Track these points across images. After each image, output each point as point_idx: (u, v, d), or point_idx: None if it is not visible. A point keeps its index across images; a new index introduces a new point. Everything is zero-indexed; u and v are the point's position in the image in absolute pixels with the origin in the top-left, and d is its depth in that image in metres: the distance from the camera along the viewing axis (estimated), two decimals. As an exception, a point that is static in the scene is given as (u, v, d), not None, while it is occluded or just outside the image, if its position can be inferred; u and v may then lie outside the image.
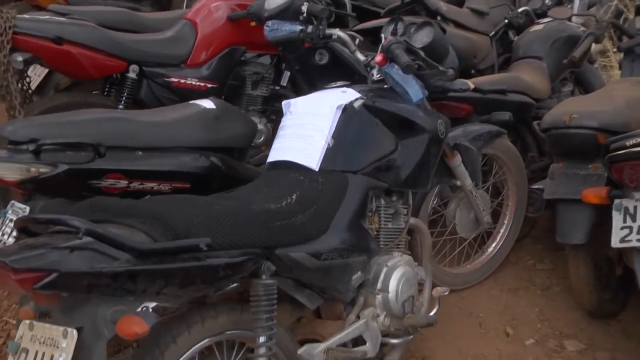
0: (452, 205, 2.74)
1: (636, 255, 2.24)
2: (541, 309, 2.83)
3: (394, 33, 2.18)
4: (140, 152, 2.08)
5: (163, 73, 2.84)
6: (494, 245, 2.97)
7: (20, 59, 2.50)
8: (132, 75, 2.77)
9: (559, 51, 3.47)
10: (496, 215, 2.98)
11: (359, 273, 1.95)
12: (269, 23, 2.53)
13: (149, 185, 2.10)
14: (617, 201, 2.22)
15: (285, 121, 2.08)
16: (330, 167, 1.93)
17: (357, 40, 2.61)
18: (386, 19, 2.47)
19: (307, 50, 2.66)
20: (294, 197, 1.79)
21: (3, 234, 1.96)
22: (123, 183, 2.04)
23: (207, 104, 2.33)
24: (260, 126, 3.05)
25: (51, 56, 2.58)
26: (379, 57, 2.07)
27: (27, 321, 1.42)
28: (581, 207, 2.42)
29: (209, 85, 2.93)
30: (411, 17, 3.02)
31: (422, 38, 2.18)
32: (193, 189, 2.17)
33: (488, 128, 2.70)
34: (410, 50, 2.06)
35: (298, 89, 3.03)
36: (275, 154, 2.01)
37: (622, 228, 2.19)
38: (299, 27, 2.43)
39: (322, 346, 1.80)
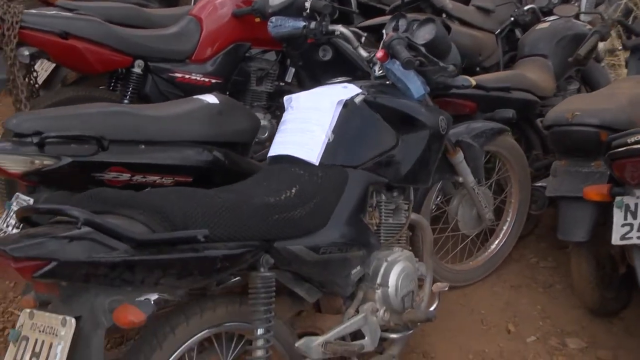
0: (454, 202, 2.74)
1: (636, 252, 2.24)
2: (543, 306, 2.83)
3: (395, 29, 2.19)
4: (143, 146, 2.10)
5: (168, 68, 2.87)
6: (496, 242, 2.97)
7: (26, 53, 2.53)
8: (137, 70, 2.80)
9: (564, 49, 3.46)
10: (499, 213, 2.98)
11: (358, 267, 1.97)
12: (273, 19, 2.54)
13: (151, 178, 2.12)
14: (618, 198, 2.22)
15: (286, 116, 2.09)
16: (331, 161, 1.94)
17: (363, 38, 2.62)
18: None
19: (310, 46, 2.67)
20: (293, 190, 1.80)
21: (7, 225, 1.99)
22: (126, 176, 2.06)
23: (211, 99, 2.35)
24: (264, 122, 3.07)
25: (57, 51, 2.61)
26: (380, 53, 2.08)
27: (28, 310, 1.44)
28: (583, 204, 2.42)
29: (214, 81, 2.96)
30: (416, 15, 3.02)
31: (424, 35, 2.18)
32: (195, 183, 2.19)
33: (491, 125, 2.71)
34: (411, 46, 2.07)
35: (303, 85, 3.05)
36: (276, 149, 2.03)
37: (622, 225, 2.19)
38: (302, 23, 2.44)
39: (320, 339, 1.82)
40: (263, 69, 3.15)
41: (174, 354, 1.56)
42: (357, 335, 1.97)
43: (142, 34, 2.86)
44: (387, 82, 2.17)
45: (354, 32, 2.40)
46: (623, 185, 2.24)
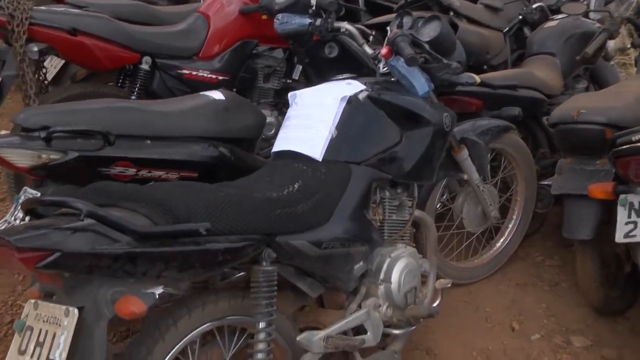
0: (459, 200, 2.74)
1: (640, 250, 2.23)
2: (548, 304, 2.82)
3: (400, 26, 2.20)
4: (149, 141, 2.11)
5: (175, 65, 2.89)
6: (502, 240, 2.97)
7: (35, 49, 2.57)
8: (144, 66, 2.83)
9: (573, 47, 3.44)
10: (505, 211, 2.98)
11: (361, 263, 1.97)
12: (279, 16, 2.55)
13: (157, 173, 2.14)
14: (622, 196, 2.21)
15: (290, 112, 2.11)
16: (334, 157, 1.95)
17: (371, 37, 2.63)
18: None
19: (316, 43, 2.69)
20: (296, 186, 1.81)
21: (15, 219, 2.02)
22: (132, 171, 2.08)
23: (217, 95, 2.36)
24: (271, 119, 3.09)
25: (66, 47, 2.64)
26: (384, 50, 2.09)
27: (33, 300, 1.46)
28: (588, 202, 2.42)
29: (221, 78, 2.98)
30: (423, 12, 3.02)
31: (429, 32, 2.18)
32: (201, 179, 2.19)
33: (496, 123, 2.70)
34: (415, 43, 2.07)
35: (310, 82, 3.06)
36: (280, 144, 2.04)
37: (626, 223, 2.18)
38: (308, 21, 2.45)
39: (321, 333, 1.83)
40: (270, 66, 3.17)
41: (176, 346, 1.58)
42: (359, 330, 1.98)
43: (150, 31, 2.89)
44: (392, 79, 2.18)
45: (360, 30, 2.41)
46: (627, 183, 2.24)
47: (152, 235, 1.40)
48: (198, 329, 1.64)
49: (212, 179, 2.01)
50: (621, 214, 2.22)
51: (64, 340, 1.33)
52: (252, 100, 3.12)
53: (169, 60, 2.88)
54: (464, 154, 2.49)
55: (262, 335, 1.68)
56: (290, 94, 2.15)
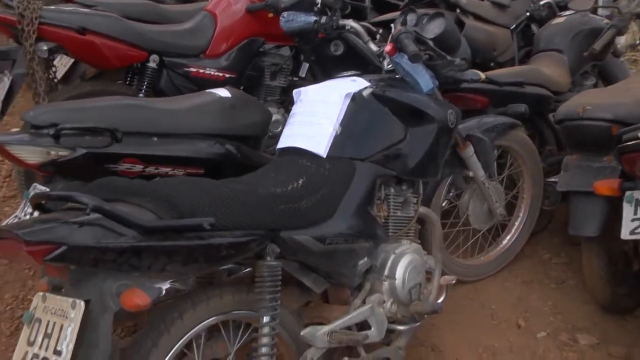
0: (465, 197, 2.75)
1: (647, 247, 2.23)
2: (555, 302, 2.82)
3: (404, 23, 2.21)
4: (156, 138, 2.14)
5: (183, 63, 2.91)
6: (508, 237, 2.97)
7: (45, 48, 2.60)
8: (152, 65, 2.85)
9: (580, 44, 3.43)
10: (511, 208, 2.98)
11: (365, 259, 1.98)
12: (285, 14, 2.57)
13: (164, 170, 2.16)
14: (628, 193, 2.21)
15: (295, 109, 2.12)
16: (338, 154, 1.96)
17: (378, 35, 2.64)
18: None
19: (322, 41, 2.70)
20: (300, 182, 1.83)
21: (25, 214, 2.05)
22: (139, 167, 2.10)
23: (223, 92, 2.38)
24: (278, 116, 3.10)
25: (75, 46, 2.67)
26: (388, 47, 2.10)
27: (41, 293, 1.50)
28: (594, 199, 2.42)
29: (228, 76, 2.99)
30: (428, 10, 3.02)
31: (433, 29, 2.18)
32: (207, 175, 2.22)
33: (502, 120, 2.71)
34: (419, 40, 2.08)
35: (317, 80, 3.07)
36: (285, 141, 2.06)
37: (632, 220, 2.18)
38: (313, 18, 2.46)
39: (325, 328, 1.84)
40: (277, 64, 3.18)
41: (181, 339, 1.60)
42: (363, 326, 1.99)
43: (158, 30, 2.91)
44: (397, 76, 2.19)
45: (365, 27, 2.42)
46: (633, 180, 2.23)
47: (156, 230, 1.42)
48: (203, 323, 1.66)
49: (218, 176, 2.02)
50: (627, 211, 2.21)
51: (70, 331, 1.36)
52: (258, 97, 3.14)
53: (176, 59, 2.90)
54: (469, 151, 2.49)
55: (266, 330, 1.70)
56: (294, 91, 2.16)
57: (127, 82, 2.96)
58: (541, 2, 3.79)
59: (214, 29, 2.99)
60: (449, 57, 2.11)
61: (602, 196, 2.38)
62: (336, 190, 1.90)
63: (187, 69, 2.92)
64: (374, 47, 2.31)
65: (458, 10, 3.52)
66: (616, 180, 2.30)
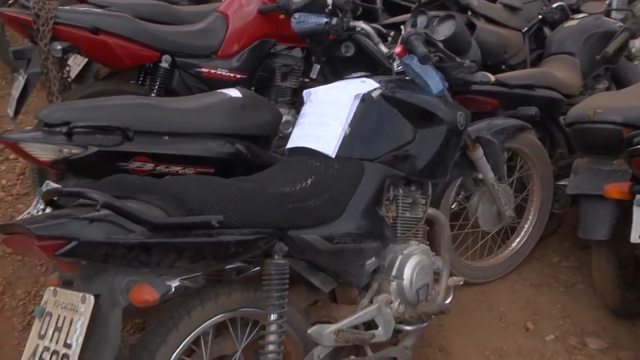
0: (474, 199, 2.75)
1: (657, 252, 2.22)
2: (564, 305, 2.81)
3: (414, 25, 2.21)
4: (167, 137, 2.16)
5: (194, 63, 2.94)
6: (517, 240, 2.97)
7: (59, 47, 2.64)
8: (164, 65, 2.88)
9: (593, 47, 3.42)
10: (521, 211, 2.97)
11: (373, 259, 1.99)
12: (296, 15, 2.58)
13: (174, 168, 2.18)
14: (638, 196, 2.19)
15: (305, 109, 2.14)
16: (347, 154, 1.98)
17: (390, 38, 2.65)
18: None
19: (333, 42, 2.71)
20: (309, 181, 1.84)
21: (37, 211, 2.08)
22: (149, 166, 2.13)
23: (234, 92, 2.40)
24: (288, 117, 3.12)
25: (88, 45, 2.71)
26: (398, 49, 2.11)
27: (52, 288, 1.52)
28: (604, 202, 2.40)
29: (239, 76, 3.02)
30: (439, 12, 3.03)
31: (443, 31, 2.19)
32: (217, 175, 2.22)
33: (512, 122, 2.70)
34: (429, 42, 2.09)
35: (328, 82, 3.08)
36: (294, 141, 2.08)
37: (642, 224, 2.17)
38: (324, 20, 2.48)
39: (332, 327, 1.85)
40: (288, 65, 3.20)
41: (189, 335, 1.62)
42: (371, 326, 2.00)
43: (170, 30, 2.94)
44: (407, 78, 2.20)
45: (375, 29, 2.43)
46: (644, 183, 2.22)
47: (165, 226, 1.44)
48: (211, 320, 1.67)
49: (228, 175, 2.04)
50: (637, 215, 2.20)
51: (80, 325, 1.38)
52: (269, 98, 3.16)
53: (188, 59, 2.93)
54: (478, 153, 2.49)
55: (273, 327, 1.71)
56: (304, 92, 2.18)
57: (140, 82, 2.99)
58: (554, 5, 3.78)
59: (226, 29, 3.02)
60: (458, 59, 2.11)
61: (612, 199, 2.36)
62: (345, 190, 1.91)
63: (199, 69, 2.95)
64: (384, 48, 2.32)
65: (469, 13, 3.52)
66: (626, 183, 2.29)
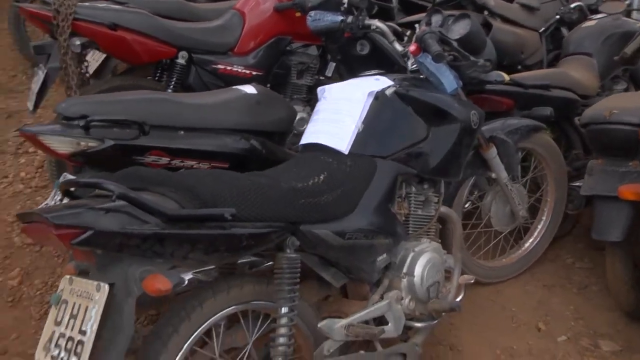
0: (487, 198, 2.74)
1: (671, 253, 2.20)
2: (576, 307, 2.80)
3: (429, 24, 2.22)
4: (182, 132, 2.19)
5: (211, 60, 2.96)
6: (530, 240, 2.96)
7: (78, 42, 2.68)
8: (181, 61, 2.91)
9: (611, 48, 3.40)
10: (535, 211, 2.96)
11: (385, 255, 2.00)
12: (312, 13, 2.60)
13: (189, 163, 2.20)
14: (653, 198, 2.19)
15: (319, 106, 2.15)
16: (360, 151, 1.99)
17: (406, 37, 2.65)
18: None
19: (348, 40, 2.72)
20: (321, 177, 1.86)
21: (55, 202, 2.11)
22: (165, 160, 2.15)
23: (249, 89, 2.42)
24: (303, 114, 3.13)
25: (106, 41, 2.75)
26: (412, 47, 2.11)
27: (68, 276, 1.55)
28: (618, 204, 2.39)
29: (255, 73, 3.04)
30: (455, 11, 3.03)
31: (458, 30, 2.20)
32: (232, 170, 2.26)
33: (527, 122, 2.70)
34: (443, 40, 2.09)
35: (343, 80, 3.09)
36: (308, 137, 2.09)
37: (657, 225, 2.16)
38: (339, 18, 2.49)
39: (342, 322, 1.86)
40: (303, 63, 3.22)
41: (201, 326, 1.64)
42: (381, 321, 2.01)
43: (187, 27, 2.97)
44: (421, 76, 2.21)
45: (391, 28, 2.44)
46: (659, 185, 2.21)
47: (179, 218, 1.47)
48: (223, 312, 1.69)
49: (242, 171, 2.06)
50: (651, 216, 2.19)
51: (95, 313, 1.41)
52: (285, 95, 3.17)
53: (204, 55, 2.95)
54: (492, 152, 2.49)
55: (284, 320, 1.73)
56: (319, 89, 2.19)
57: (157, 78, 3.02)
58: (572, 5, 3.76)
59: (242, 27, 3.04)
60: (472, 58, 2.11)
61: (627, 201, 2.36)
62: (357, 186, 1.92)
63: (215, 66, 2.97)
64: (399, 47, 2.32)
65: (486, 12, 3.51)
66: (641, 184, 2.28)
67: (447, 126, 2.13)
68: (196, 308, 1.63)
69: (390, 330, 1.98)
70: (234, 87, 2.45)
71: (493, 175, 2.58)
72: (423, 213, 2.18)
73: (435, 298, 2.10)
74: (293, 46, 3.19)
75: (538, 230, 2.96)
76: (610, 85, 3.55)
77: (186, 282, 1.59)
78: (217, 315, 1.68)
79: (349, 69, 2.94)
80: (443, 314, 2.12)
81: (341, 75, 3.18)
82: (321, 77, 3.31)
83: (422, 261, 2.06)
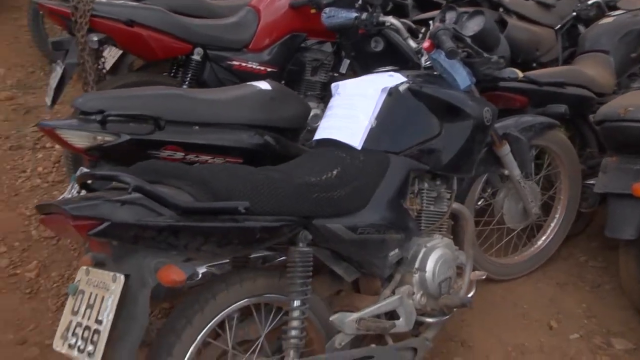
0: (500, 195, 2.74)
1: (685, 251, 2.19)
2: (589, 305, 2.79)
3: (442, 20, 2.22)
4: (197, 127, 2.21)
5: (226, 56, 2.99)
6: (543, 238, 2.95)
7: (95, 38, 2.72)
8: (196, 57, 2.94)
9: (629, 45, 3.37)
10: (548, 209, 2.95)
11: (397, 250, 2.01)
12: (327, 10, 2.61)
13: (204, 158, 2.23)
14: (667, 196, 2.18)
15: (332, 102, 2.17)
16: (373, 146, 2.00)
17: (420, 35, 2.65)
18: None
19: (362, 37, 2.74)
20: (334, 172, 1.87)
21: (72, 195, 2.15)
22: (180, 154, 2.18)
23: (263, 85, 2.44)
24: (317, 111, 3.15)
25: (123, 37, 2.79)
26: (426, 43, 2.12)
27: (85, 267, 1.59)
28: (632, 201, 2.39)
29: (269, 70, 3.06)
30: (470, 8, 3.02)
31: (472, 26, 2.20)
32: (245, 165, 2.29)
33: (540, 119, 2.69)
34: (457, 37, 2.10)
35: (357, 76, 3.10)
36: (321, 132, 2.11)
37: (671, 223, 2.14)
38: (354, 14, 2.50)
39: (354, 315, 1.88)
40: (318, 60, 3.23)
41: (214, 318, 1.67)
42: (393, 316, 2.02)
43: (203, 23, 3.00)
44: (434, 73, 2.21)
45: (406, 24, 2.44)
46: (674, 183, 2.20)
47: (193, 211, 1.49)
48: (236, 304, 1.72)
49: (256, 166, 2.09)
50: (665, 214, 2.18)
51: (111, 303, 1.44)
52: (299, 92, 3.19)
53: (219, 52, 2.98)
54: (505, 149, 2.49)
55: (296, 314, 1.74)
56: (333, 85, 2.21)
57: (172, 74, 3.06)
58: (589, 2, 3.71)
59: (257, 23, 3.07)
60: (486, 55, 2.12)
61: (641, 198, 2.34)
62: (370, 181, 1.93)
63: (230, 62, 3.00)
64: (413, 43, 2.33)
65: (501, 9, 3.50)
66: (656, 182, 2.27)
67: (460, 123, 2.13)
68: (209, 300, 1.66)
69: (402, 325, 1.99)
70: (248, 83, 2.48)
71: (506, 172, 2.58)
72: (435, 209, 2.19)
73: (446, 294, 2.11)
74: (308, 43, 3.21)
75: (551, 228, 2.94)
76: (627, 83, 3.51)
77: (200, 275, 1.62)
78: (230, 308, 1.71)
79: (363, 66, 2.96)
80: (454, 309, 2.13)
81: (355, 71, 3.19)
82: (335, 74, 3.32)
83: (434, 257, 2.07)
